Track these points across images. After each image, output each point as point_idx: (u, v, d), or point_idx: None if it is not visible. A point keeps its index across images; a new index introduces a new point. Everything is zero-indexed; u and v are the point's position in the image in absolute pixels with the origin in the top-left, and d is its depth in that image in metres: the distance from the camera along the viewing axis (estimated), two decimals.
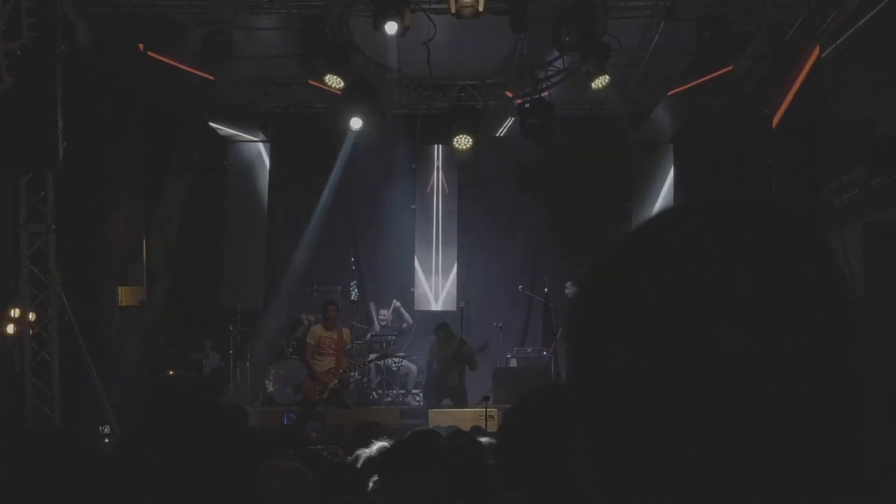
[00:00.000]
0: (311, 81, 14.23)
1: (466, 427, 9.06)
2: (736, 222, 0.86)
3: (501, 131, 15.95)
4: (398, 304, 16.00)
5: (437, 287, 16.61)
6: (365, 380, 14.96)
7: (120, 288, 14.27)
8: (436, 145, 16.49)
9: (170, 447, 1.70)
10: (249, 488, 1.71)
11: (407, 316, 15.96)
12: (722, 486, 0.81)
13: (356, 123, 14.24)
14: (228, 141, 16.49)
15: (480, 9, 11.86)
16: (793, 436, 0.82)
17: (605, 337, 0.85)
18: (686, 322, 0.82)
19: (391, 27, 12.08)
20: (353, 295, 16.55)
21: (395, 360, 15.14)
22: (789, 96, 13.21)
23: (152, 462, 1.67)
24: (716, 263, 0.83)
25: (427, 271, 16.66)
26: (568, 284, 15.37)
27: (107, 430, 11.07)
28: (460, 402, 13.69)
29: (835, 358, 0.83)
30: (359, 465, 4.77)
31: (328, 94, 14.01)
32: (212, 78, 13.54)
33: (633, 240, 0.89)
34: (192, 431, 1.68)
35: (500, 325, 15.58)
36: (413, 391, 15.21)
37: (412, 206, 16.81)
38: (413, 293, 16.59)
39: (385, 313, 15.90)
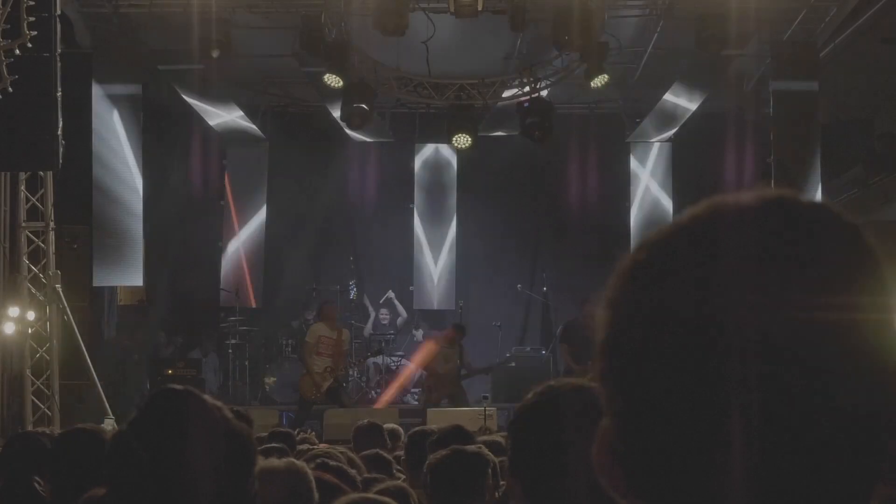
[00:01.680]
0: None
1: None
2: (783, 221, 0.82)
3: (500, 130, 15.91)
4: (392, 295, 15.96)
5: (435, 286, 16.58)
6: (364, 379, 14.95)
7: (119, 287, 14.26)
8: (435, 144, 16.47)
9: (162, 445, 1.70)
10: (243, 488, 1.70)
11: (401, 308, 15.92)
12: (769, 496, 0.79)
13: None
14: (228, 140, 16.47)
15: (479, 8, 11.86)
16: (837, 446, 0.79)
17: (653, 344, 0.82)
18: (730, 329, 0.79)
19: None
20: (352, 294, 16.54)
21: (394, 359, 15.14)
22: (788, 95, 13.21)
23: (144, 460, 1.66)
24: (759, 267, 0.80)
25: (426, 270, 16.64)
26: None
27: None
28: (459, 401, 13.65)
29: (879, 363, 0.81)
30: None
31: (327, 92, 13.99)
32: None
33: (673, 239, 0.84)
34: (184, 430, 1.68)
35: (499, 324, 15.56)
36: (412, 390, 15.20)
37: (410, 205, 16.79)
38: (412, 292, 16.57)
39: (385, 312, 15.87)
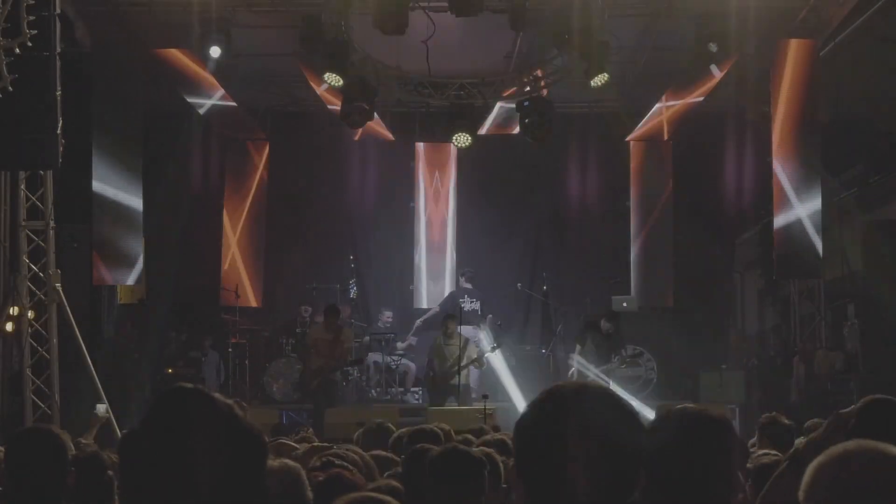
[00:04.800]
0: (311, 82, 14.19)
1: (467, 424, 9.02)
2: None
3: (500, 130, 15.90)
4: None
5: (435, 284, 16.57)
6: (364, 378, 14.95)
7: (119, 286, 14.26)
8: (435, 143, 16.46)
9: (173, 445, 1.69)
10: (255, 487, 1.70)
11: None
12: None
13: (215, 52, 12.69)
14: (228, 139, 16.47)
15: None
16: None
17: None
18: None
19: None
20: (352, 293, 16.54)
21: (394, 358, 15.14)
22: (788, 94, 13.21)
23: (157, 459, 1.66)
24: None
25: (426, 269, 16.64)
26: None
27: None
28: (464, 400, 13.63)
29: None
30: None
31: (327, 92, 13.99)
32: None
33: None
34: (195, 429, 1.68)
35: (500, 323, 15.56)
36: (412, 389, 15.21)
37: (411, 204, 16.80)
38: (412, 291, 16.58)
39: (388, 314, 15.83)
